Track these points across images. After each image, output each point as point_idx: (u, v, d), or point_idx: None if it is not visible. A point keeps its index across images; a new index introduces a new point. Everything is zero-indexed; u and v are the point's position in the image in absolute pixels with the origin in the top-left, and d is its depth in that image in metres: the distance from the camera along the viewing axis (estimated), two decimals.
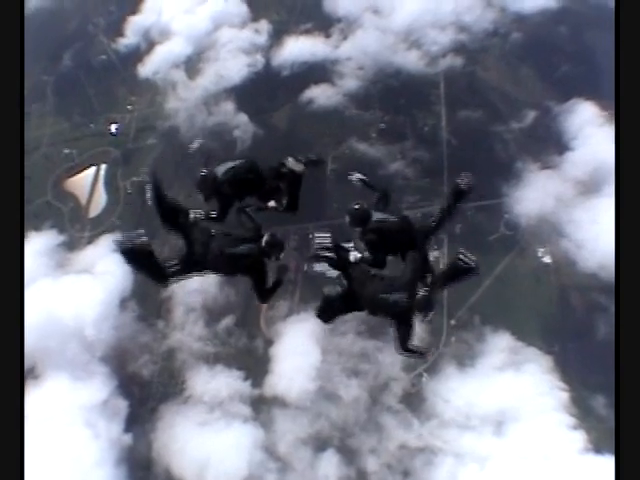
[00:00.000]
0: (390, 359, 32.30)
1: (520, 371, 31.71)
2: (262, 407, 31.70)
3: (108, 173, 39.41)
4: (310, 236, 35.51)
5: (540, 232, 35.48)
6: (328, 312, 5.77)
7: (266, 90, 40.85)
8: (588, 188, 35.92)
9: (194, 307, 34.23)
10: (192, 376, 32.85)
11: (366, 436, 30.81)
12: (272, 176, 6.08)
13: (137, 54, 43.30)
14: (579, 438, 29.58)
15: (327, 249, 5.93)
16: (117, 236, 5.34)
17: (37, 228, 35.54)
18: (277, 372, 32.10)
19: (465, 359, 32.48)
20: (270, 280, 5.73)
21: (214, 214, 5.80)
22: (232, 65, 41.63)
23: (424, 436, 30.68)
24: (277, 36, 43.15)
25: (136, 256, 5.15)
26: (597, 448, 28.39)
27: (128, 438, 30.84)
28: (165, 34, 43.54)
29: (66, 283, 33.97)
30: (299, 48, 41.55)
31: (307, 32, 42.73)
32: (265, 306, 34.20)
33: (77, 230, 37.49)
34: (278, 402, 31.48)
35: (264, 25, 43.71)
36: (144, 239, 5.11)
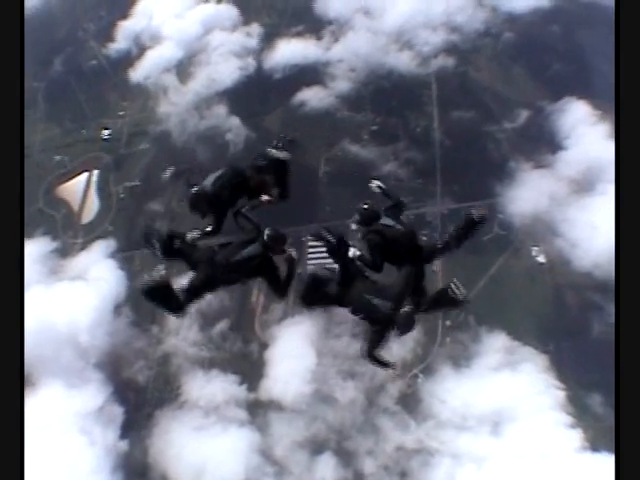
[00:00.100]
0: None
1: (516, 371, 31.65)
2: (258, 411, 31.63)
3: (100, 179, 39.33)
4: (303, 239, 35.50)
5: (534, 231, 35.47)
6: (311, 295, 5.80)
7: (258, 93, 40.80)
8: (582, 187, 35.92)
9: (188, 312, 34.14)
10: (187, 381, 32.78)
11: (363, 438, 30.75)
12: (256, 172, 6.08)
13: (128, 59, 43.24)
14: (576, 437, 29.51)
15: (331, 234, 5.96)
16: (141, 280, 5.40)
17: (30, 235, 35.38)
18: (272, 376, 32.02)
19: (461, 359, 32.43)
20: (282, 274, 5.78)
21: (210, 229, 5.82)
22: (223, 69, 41.56)
23: (421, 437, 30.64)
24: (268, 39, 43.08)
25: (157, 293, 5.26)
26: (594, 446, 28.33)
27: (124, 444, 30.76)
28: (156, 38, 43.44)
29: (60, 290, 33.89)
30: (290, 51, 41.48)
31: (298, 35, 42.63)
32: (259, 310, 34.20)
33: (70, 236, 37.41)
34: (274, 406, 31.40)
35: (255, 28, 43.65)
36: (163, 273, 5.21)
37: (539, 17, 41.62)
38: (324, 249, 5.92)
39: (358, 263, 5.90)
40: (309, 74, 41.10)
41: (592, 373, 29.95)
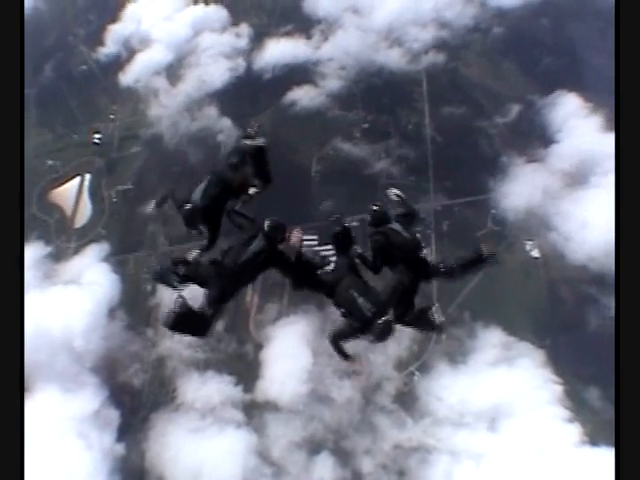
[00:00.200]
0: (382, 359, 32.22)
1: (513, 366, 31.57)
2: (254, 412, 31.58)
3: (93, 183, 39.41)
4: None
5: (528, 226, 35.40)
6: (301, 276, 5.90)
7: (249, 94, 40.79)
8: (575, 180, 35.86)
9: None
10: (183, 383, 32.75)
11: (360, 437, 30.70)
12: (235, 170, 6.08)
13: (118, 63, 43.32)
14: (574, 431, 29.43)
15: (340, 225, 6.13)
16: (163, 316, 5.53)
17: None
18: (268, 376, 31.99)
19: (457, 356, 32.35)
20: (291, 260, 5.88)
21: (207, 242, 5.90)
22: (214, 70, 41.66)
23: (418, 435, 30.55)
24: (258, 39, 43.14)
25: (182, 322, 5.39)
26: (593, 440, 28.27)
27: (121, 448, 30.78)
28: (145, 42, 43.54)
29: (54, 294, 33.90)
30: (280, 50, 41.52)
31: (288, 34, 42.69)
32: (254, 310, 34.15)
33: (63, 241, 37.47)
34: (270, 406, 31.36)
35: (244, 29, 43.71)
36: (181, 301, 5.35)
37: (528, 11, 41.60)
38: (324, 241, 6.05)
39: (357, 260, 6.01)
40: (299, 73, 41.13)
41: (589, 366, 29.90)
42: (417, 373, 32.13)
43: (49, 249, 36.59)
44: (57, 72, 43.76)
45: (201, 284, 5.64)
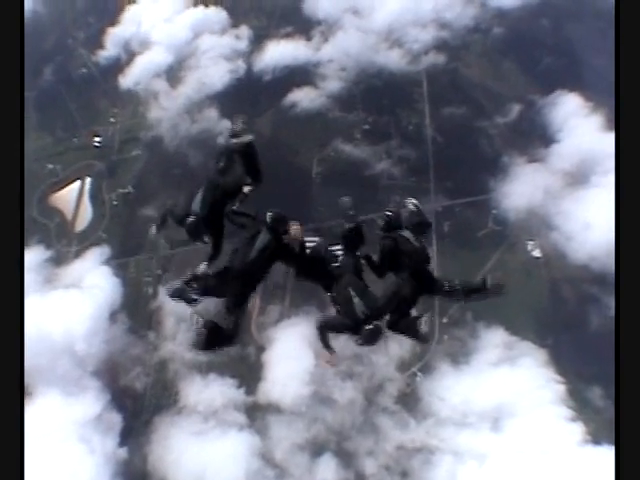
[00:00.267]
0: (384, 360, 32.20)
1: (515, 366, 31.56)
2: (257, 414, 31.53)
3: (93, 186, 39.35)
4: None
5: (529, 226, 35.41)
6: (306, 267, 6.05)
7: (249, 96, 40.70)
8: (576, 179, 35.87)
9: (184, 317, 34.02)
10: (185, 386, 32.66)
11: (363, 438, 30.65)
12: (225, 174, 6.10)
13: (118, 65, 43.19)
14: (577, 430, 29.41)
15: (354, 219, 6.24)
16: (193, 341, 5.63)
17: (24, 244, 35.39)
18: (270, 378, 31.91)
19: (459, 356, 32.34)
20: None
21: (213, 252, 5.98)
22: (214, 72, 41.56)
23: (421, 436, 30.51)
24: (258, 41, 43.06)
25: (212, 339, 5.56)
26: (596, 440, 28.22)
27: (123, 452, 30.70)
28: (145, 44, 43.41)
29: (55, 298, 33.81)
30: (280, 52, 41.46)
31: (288, 36, 42.61)
32: (256, 312, 34.09)
33: (64, 245, 37.40)
34: (273, 408, 31.30)
35: (244, 31, 43.61)
36: (203, 320, 5.50)
37: (528, 11, 41.59)
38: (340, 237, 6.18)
39: (363, 261, 6.08)
40: (299, 75, 41.09)
41: (591, 366, 29.88)
42: (419, 374, 32.11)
43: (50, 253, 36.50)
44: (57, 75, 43.68)
45: (217, 294, 5.69)
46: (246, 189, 6.17)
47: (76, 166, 40.09)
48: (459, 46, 41.73)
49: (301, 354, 31.87)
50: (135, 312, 34.34)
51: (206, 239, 5.99)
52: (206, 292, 5.70)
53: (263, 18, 44.36)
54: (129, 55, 43.46)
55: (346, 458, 30.07)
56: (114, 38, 43.89)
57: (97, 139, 40.44)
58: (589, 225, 33.16)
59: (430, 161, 37.41)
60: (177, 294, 5.80)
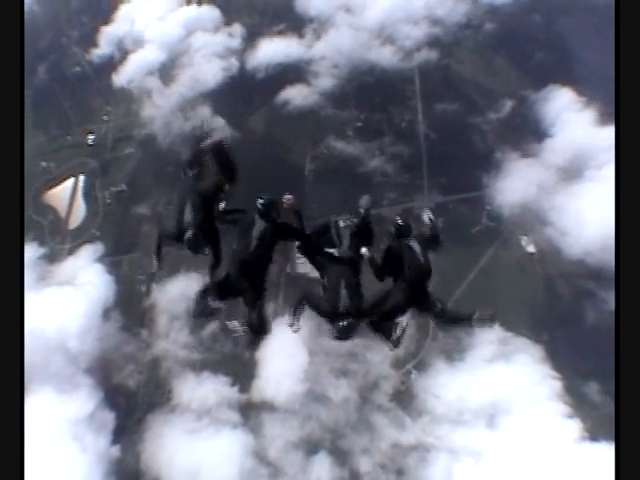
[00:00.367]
0: (379, 357, 32.05)
1: (510, 362, 31.41)
2: (251, 412, 31.35)
3: (87, 184, 39.36)
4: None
5: (523, 221, 35.35)
6: (315, 241, 6.23)
7: (242, 93, 40.82)
8: (569, 174, 35.85)
9: (178, 315, 33.95)
10: (178, 384, 32.51)
11: (358, 436, 30.47)
12: (204, 179, 6.13)
13: (111, 64, 43.32)
14: (574, 427, 29.22)
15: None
16: (243, 344, 5.90)
17: None
18: (264, 376, 31.77)
19: (454, 353, 32.18)
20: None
21: (214, 260, 6.06)
22: (207, 70, 41.66)
23: (416, 433, 30.33)
24: (251, 39, 43.18)
25: (255, 339, 6.08)
26: (593, 436, 28.05)
27: (116, 450, 30.45)
28: (138, 42, 43.55)
29: (48, 295, 33.71)
30: (273, 50, 41.55)
31: (280, 33, 42.77)
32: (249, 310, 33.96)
33: (57, 242, 37.36)
34: (267, 406, 31.14)
35: (237, 28, 43.75)
36: (236, 323, 5.92)
37: (519, 7, 41.76)
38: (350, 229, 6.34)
39: (365, 259, 6.13)
40: (292, 72, 41.16)
41: (588, 361, 29.78)
42: (414, 371, 31.98)
43: (43, 250, 36.44)
44: (51, 74, 43.77)
45: (234, 294, 5.88)
46: (226, 187, 6.19)
47: (70, 164, 40.10)
48: (451, 42, 41.83)
49: (295, 352, 31.76)
50: (128, 310, 34.24)
51: (206, 250, 6.00)
52: (223, 296, 5.87)
53: (256, 16, 44.50)
54: (122, 53, 43.58)
55: (341, 456, 29.88)
56: (108, 37, 44.03)
57: (91, 137, 40.51)
58: (582, 218, 33.08)
59: (423, 158, 37.40)
60: (199, 313, 6.05)
